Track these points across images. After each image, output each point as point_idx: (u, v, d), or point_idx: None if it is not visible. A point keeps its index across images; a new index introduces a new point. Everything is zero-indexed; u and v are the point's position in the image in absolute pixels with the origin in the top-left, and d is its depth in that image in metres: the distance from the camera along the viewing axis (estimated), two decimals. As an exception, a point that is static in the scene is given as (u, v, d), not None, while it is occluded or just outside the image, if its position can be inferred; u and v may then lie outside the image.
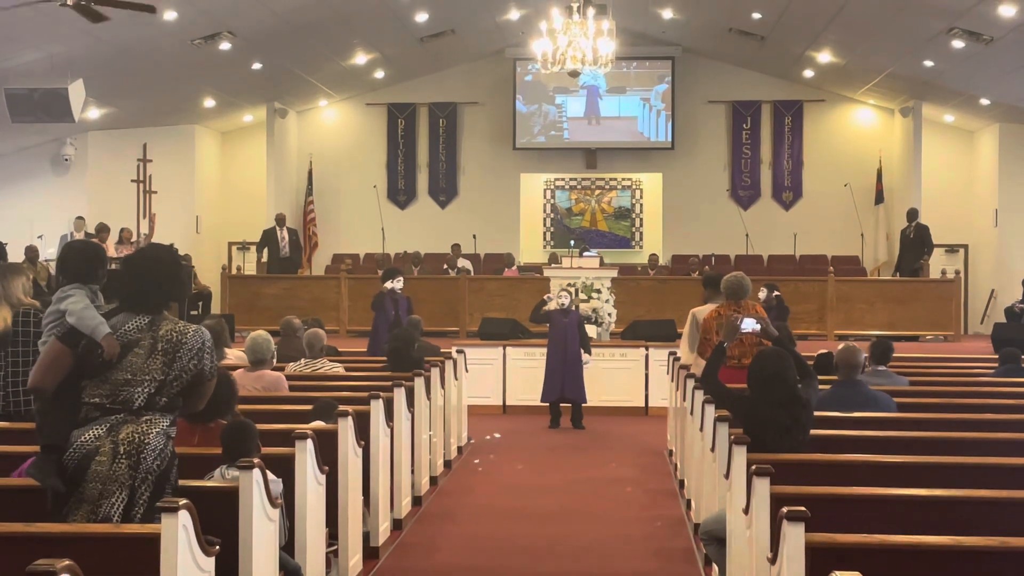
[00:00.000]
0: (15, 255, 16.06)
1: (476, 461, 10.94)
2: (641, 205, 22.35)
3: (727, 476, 5.74)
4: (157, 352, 4.56)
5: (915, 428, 6.70)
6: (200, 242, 21.04)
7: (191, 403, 4.73)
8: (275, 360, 8.61)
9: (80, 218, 18.78)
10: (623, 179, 22.39)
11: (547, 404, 12.97)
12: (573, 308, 13.18)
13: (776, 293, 14.48)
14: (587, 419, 12.87)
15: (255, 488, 4.81)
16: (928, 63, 17.77)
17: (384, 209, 21.83)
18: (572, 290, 13.84)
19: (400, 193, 22.46)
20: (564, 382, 12.73)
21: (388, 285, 12.86)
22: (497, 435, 11.02)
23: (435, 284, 17.93)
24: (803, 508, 4.17)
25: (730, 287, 8.88)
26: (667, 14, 19.78)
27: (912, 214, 19.30)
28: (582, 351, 12.78)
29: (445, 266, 19.48)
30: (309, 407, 7.10)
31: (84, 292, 5.00)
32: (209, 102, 20.03)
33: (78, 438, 4.45)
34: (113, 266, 9.87)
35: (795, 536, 4.14)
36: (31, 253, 16.35)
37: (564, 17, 15.24)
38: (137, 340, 4.57)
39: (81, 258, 5.26)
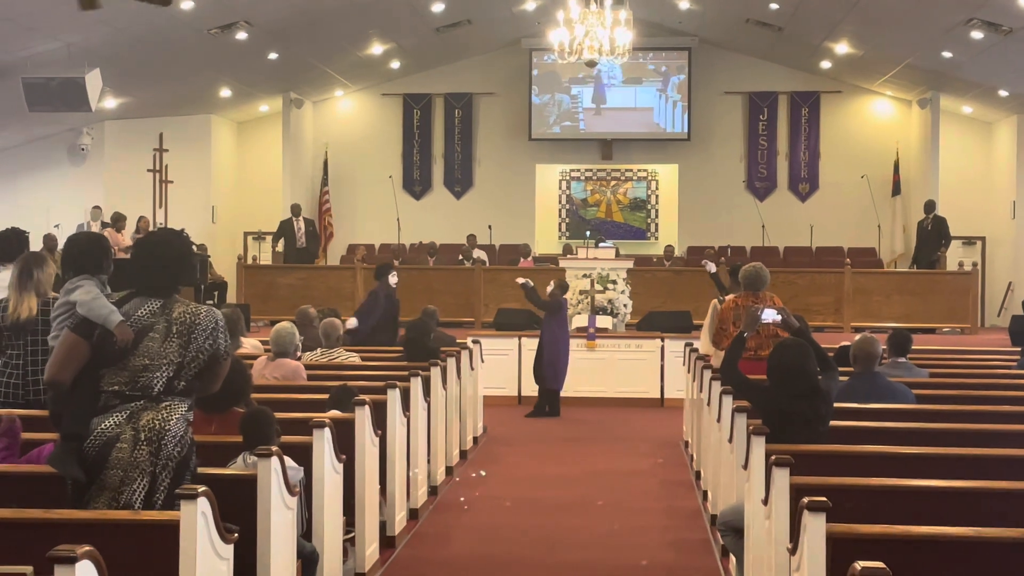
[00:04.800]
0: (32, 244, 16.03)
1: (492, 452, 10.94)
2: (657, 196, 22.30)
3: (745, 467, 5.72)
4: (172, 335, 4.54)
5: (934, 419, 6.66)
6: (216, 232, 21.08)
7: (207, 385, 4.71)
8: (299, 352, 8.61)
9: (97, 207, 18.84)
10: (639, 170, 22.33)
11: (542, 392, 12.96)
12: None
13: None
14: (603, 410, 12.97)
15: (273, 476, 4.81)
16: (946, 54, 17.66)
17: (399, 199, 21.83)
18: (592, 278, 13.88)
19: (415, 183, 22.45)
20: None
21: (392, 281, 12.59)
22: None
23: (450, 275, 17.92)
24: (824, 498, 4.15)
25: (748, 277, 8.85)
26: (684, 5, 19.71)
27: (929, 206, 19.21)
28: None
29: (460, 256, 19.47)
30: (327, 396, 7.09)
31: (93, 282, 4.97)
32: (225, 92, 20.05)
33: (98, 426, 4.44)
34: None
35: (816, 526, 4.11)
36: (50, 242, 16.09)
37: (581, 7, 15.23)
38: (151, 324, 4.56)
39: (86, 250, 5.24)
